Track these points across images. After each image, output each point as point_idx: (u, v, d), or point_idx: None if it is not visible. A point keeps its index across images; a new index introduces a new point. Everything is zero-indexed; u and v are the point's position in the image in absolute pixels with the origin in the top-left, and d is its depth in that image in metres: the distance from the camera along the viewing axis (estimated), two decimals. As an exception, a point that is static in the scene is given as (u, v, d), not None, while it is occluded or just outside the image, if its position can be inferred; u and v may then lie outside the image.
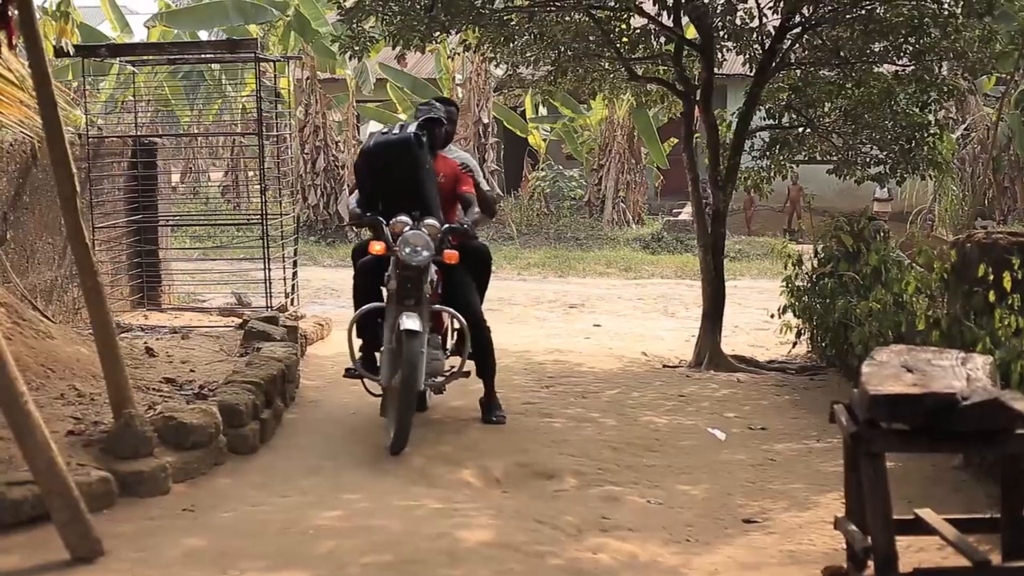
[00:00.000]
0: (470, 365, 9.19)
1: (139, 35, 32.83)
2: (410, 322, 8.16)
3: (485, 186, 9.83)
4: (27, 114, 9.36)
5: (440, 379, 9.02)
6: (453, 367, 9.13)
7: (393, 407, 8.27)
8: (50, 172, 8.25)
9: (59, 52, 11.30)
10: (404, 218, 8.61)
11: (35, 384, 8.12)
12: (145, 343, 10.91)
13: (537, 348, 14.09)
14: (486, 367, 9.39)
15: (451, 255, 8.69)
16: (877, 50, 12.72)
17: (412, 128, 8.95)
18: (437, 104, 9.60)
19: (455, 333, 9.46)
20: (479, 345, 9.12)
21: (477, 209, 9.35)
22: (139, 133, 15.99)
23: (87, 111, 13.95)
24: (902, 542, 5.00)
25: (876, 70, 13.11)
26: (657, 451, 8.90)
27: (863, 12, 12.40)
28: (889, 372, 5.06)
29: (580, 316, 17.87)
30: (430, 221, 8.65)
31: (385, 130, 9.21)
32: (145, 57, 16.07)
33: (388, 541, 6.26)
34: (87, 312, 7.55)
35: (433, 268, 8.69)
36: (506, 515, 6.90)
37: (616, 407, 10.54)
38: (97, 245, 12.41)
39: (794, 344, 12.95)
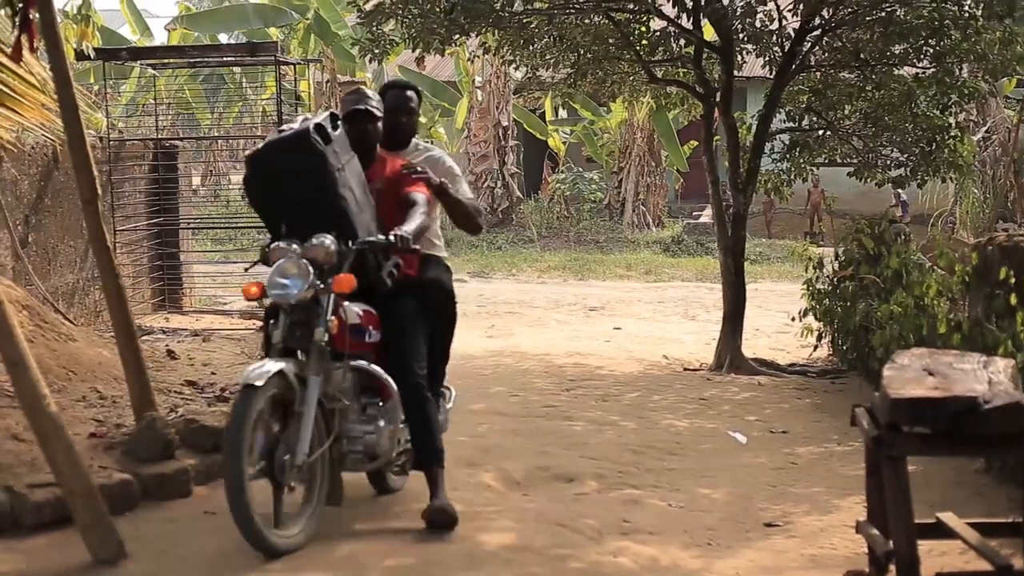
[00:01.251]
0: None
1: (159, 38, 32.97)
2: (250, 373, 5.91)
3: (467, 193, 7.42)
4: (48, 117, 9.38)
5: (382, 460, 6.68)
6: None
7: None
8: (71, 175, 8.26)
9: (80, 55, 11.34)
10: (287, 244, 6.36)
11: (57, 387, 8.14)
12: (166, 346, 10.94)
13: (557, 351, 14.08)
14: (424, 452, 6.78)
15: (342, 280, 6.26)
16: (897, 52, 12.70)
17: (316, 121, 6.61)
18: (368, 92, 7.14)
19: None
20: (414, 419, 6.72)
21: (422, 210, 6.78)
22: (160, 136, 16.03)
23: (108, 114, 13.97)
24: (924, 546, 4.98)
25: (896, 72, 13.09)
26: (678, 454, 8.89)
27: (883, 14, 12.38)
28: (910, 375, 5.04)
29: (600, 319, 17.85)
30: (318, 241, 6.31)
31: (283, 128, 6.88)
32: (165, 60, 16.11)
33: (409, 544, 6.26)
34: (109, 315, 7.57)
35: (357, 307, 6.50)
36: (527, 518, 6.89)
37: (637, 410, 10.53)
38: (118, 248, 12.44)
39: (815, 347, 12.93)
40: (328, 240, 6.30)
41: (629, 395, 11.29)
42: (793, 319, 12.81)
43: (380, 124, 7.01)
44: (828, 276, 12.61)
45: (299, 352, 6.18)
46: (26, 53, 7.73)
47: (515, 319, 17.31)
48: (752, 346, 14.00)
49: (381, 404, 6.62)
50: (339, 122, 6.71)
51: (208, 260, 16.97)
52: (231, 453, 5.75)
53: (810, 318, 12.60)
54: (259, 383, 5.81)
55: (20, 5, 7.34)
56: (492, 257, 26.02)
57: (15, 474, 6.63)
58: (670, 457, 8.78)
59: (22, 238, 11.07)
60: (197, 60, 16.11)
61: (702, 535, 6.81)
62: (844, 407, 8.38)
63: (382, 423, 6.56)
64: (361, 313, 6.52)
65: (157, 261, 14.97)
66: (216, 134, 28.81)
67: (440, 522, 6.55)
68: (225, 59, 16.75)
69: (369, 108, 6.93)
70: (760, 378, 12.35)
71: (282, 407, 6.10)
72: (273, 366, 5.94)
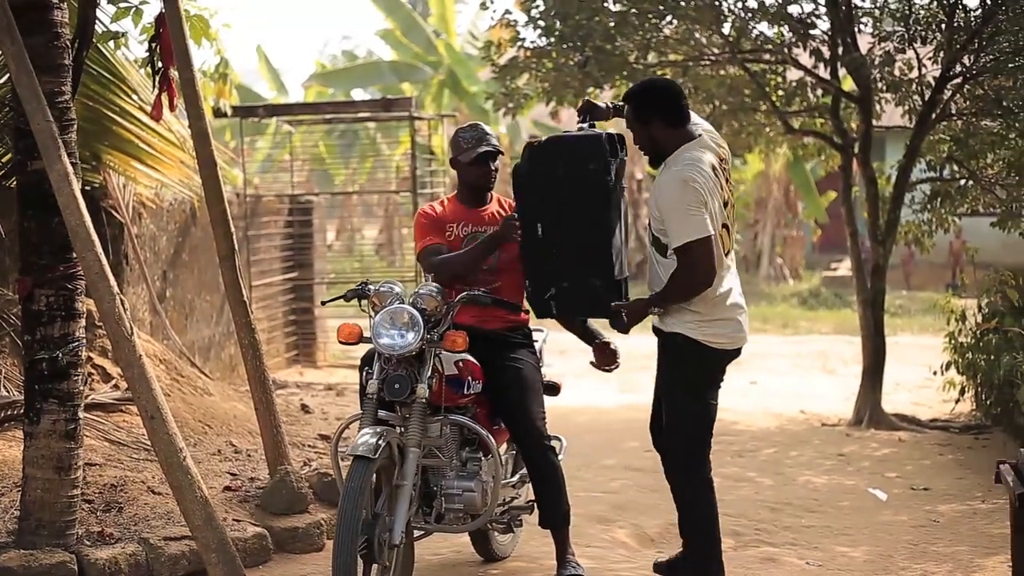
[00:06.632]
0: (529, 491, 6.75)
1: (295, 96, 33.54)
2: (361, 443, 5.55)
3: (677, 233, 5.90)
4: (187, 174, 9.58)
5: (482, 519, 6.33)
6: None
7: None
8: (208, 231, 8.40)
9: (217, 113, 11.55)
10: (391, 287, 6.07)
11: (193, 440, 8.24)
12: (301, 400, 11.02)
13: (692, 405, 13.94)
14: (552, 512, 6.42)
15: (455, 338, 5.91)
16: (1042, 99, 12.42)
17: (610, 132, 6.23)
18: (488, 129, 6.64)
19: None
20: (540, 479, 6.41)
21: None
22: (295, 192, 16.26)
23: (244, 170, 14.20)
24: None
25: (1041, 120, 12.80)
26: (816, 512, 8.75)
27: (1026, 61, 12.14)
28: (1062, 432, 4.90)
29: (736, 373, 17.65)
30: (426, 290, 6.02)
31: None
32: (301, 117, 16.37)
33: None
34: (244, 369, 7.65)
35: (452, 358, 6.09)
36: (661, 576, 6.81)
37: (773, 466, 10.40)
38: (254, 302, 12.60)
39: (957, 402, 12.65)
40: (435, 289, 6.01)
41: (766, 451, 11.14)
42: (935, 373, 12.56)
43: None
44: (971, 329, 12.33)
45: (397, 407, 5.93)
46: (166, 111, 7.90)
47: (649, 373, 17.16)
48: (892, 401, 13.74)
49: (482, 459, 6.30)
50: (624, 147, 6.27)
51: (342, 315, 17.11)
52: (344, 530, 5.40)
53: (952, 372, 12.33)
54: (373, 456, 5.49)
55: (160, 65, 7.51)
56: (626, 310, 25.95)
57: (151, 527, 6.72)
58: (808, 514, 8.65)
59: (160, 293, 11.25)
60: (332, 116, 16.35)
61: (842, 595, 6.67)
62: (988, 463, 8.22)
63: (483, 479, 6.24)
64: (461, 364, 6.14)
65: (292, 316, 15.16)
66: (350, 189, 29.12)
67: None
68: (360, 115, 16.98)
69: (498, 148, 6.54)
70: (901, 433, 12.13)
71: (380, 475, 5.77)
72: (380, 437, 5.59)
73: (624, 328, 6.15)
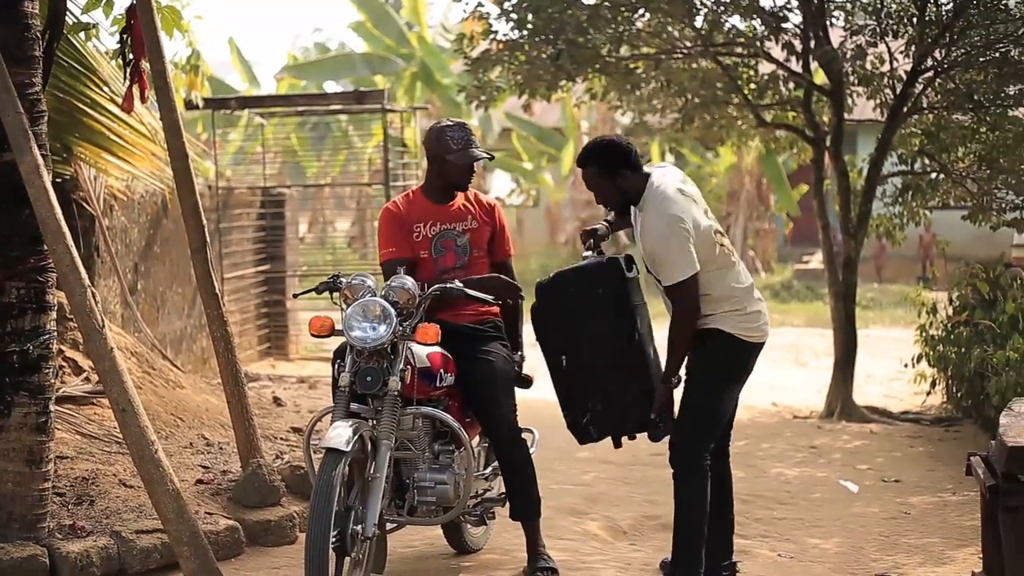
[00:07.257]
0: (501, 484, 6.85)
1: (267, 87, 33.44)
2: (334, 436, 5.55)
3: (670, 273, 6.13)
4: (158, 166, 9.53)
5: (455, 511, 6.40)
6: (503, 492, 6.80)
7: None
8: (180, 223, 8.37)
9: (189, 105, 11.49)
10: (363, 280, 6.07)
11: (165, 433, 8.21)
12: (273, 392, 11.00)
13: (664, 398, 13.94)
14: (523, 504, 6.57)
15: (427, 331, 5.94)
16: (1012, 93, 12.47)
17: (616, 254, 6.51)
18: (472, 130, 6.74)
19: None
20: (511, 471, 6.54)
21: None
22: (267, 184, 16.21)
23: (216, 163, 14.14)
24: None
25: (1011, 114, 12.84)
26: (787, 504, 8.76)
27: (997, 55, 12.18)
28: (1030, 424, 4.92)
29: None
30: (400, 283, 6.03)
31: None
32: (273, 109, 16.31)
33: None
34: (216, 361, 7.63)
35: (423, 350, 6.12)
36: (634, 568, 6.83)
37: (745, 459, 10.39)
38: (226, 295, 12.56)
39: (928, 394, 12.70)
40: (409, 283, 6.03)
41: (737, 443, 11.01)
42: (906, 365, 12.60)
43: None
44: (942, 321, 12.38)
45: (369, 399, 5.93)
46: (137, 103, 7.87)
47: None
48: (864, 393, 13.79)
49: (455, 451, 6.32)
50: (634, 265, 6.40)
51: (314, 307, 17.09)
52: (317, 523, 5.40)
53: (923, 364, 12.37)
54: (346, 448, 5.49)
55: (131, 57, 7.48)
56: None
57: (122, 520, 6.70)
58: (779, 506, 8.66)
59: (131, 285, 11.21)
60: (305, 108, 16.30)
61: (813, 587, 6.69)
62: (959, 456, 8.26)
63: (455, 472, 6.27)
64: (433, 356, 6.18)
65: (264, 308, 15.13)
66: (322, 182, 29.05)
67: None
68: (332, 107, 16.93)
69: (489, 154, 6.69)
70: (872, 426, 12.17)
71: (353, 468, 5.75)
72: (353, 429, 5.61)
73: (661, 437, 6.40)
